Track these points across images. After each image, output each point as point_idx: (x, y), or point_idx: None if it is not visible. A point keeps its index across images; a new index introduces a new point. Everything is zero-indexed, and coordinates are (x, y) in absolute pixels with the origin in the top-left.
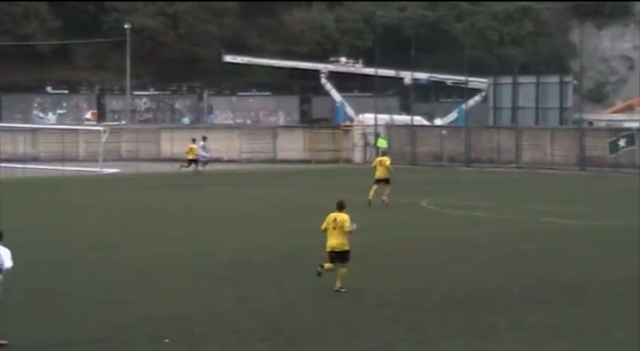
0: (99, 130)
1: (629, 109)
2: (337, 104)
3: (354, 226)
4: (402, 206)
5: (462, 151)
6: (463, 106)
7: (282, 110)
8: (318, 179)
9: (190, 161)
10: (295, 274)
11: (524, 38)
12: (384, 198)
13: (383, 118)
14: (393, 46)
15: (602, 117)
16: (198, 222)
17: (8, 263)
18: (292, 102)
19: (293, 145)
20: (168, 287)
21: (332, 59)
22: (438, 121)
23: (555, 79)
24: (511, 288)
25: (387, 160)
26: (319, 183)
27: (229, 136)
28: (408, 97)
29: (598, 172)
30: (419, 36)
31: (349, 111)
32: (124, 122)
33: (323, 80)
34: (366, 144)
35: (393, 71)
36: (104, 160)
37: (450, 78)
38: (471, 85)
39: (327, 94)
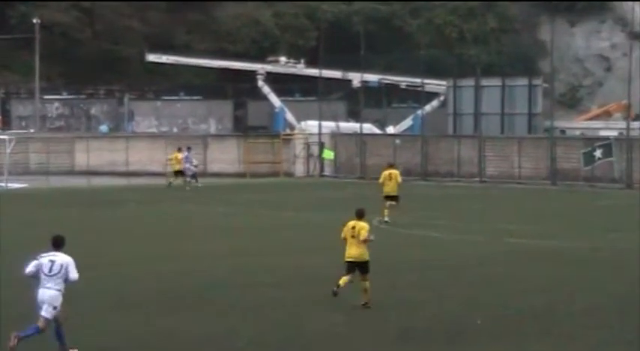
0: (3, 140)
1: (606, 115)
2: (276, 110)
3: (372, 237)
4: None
5: (418, 163)
6: (419, 112)
7: (213, 117)
8: (254, 195)
9: (177, 173)
10: (234, 299)
11: (487, 36)
12: (387, 219)
13: (328, 125)
14: (340, 45)
15: (576, 125)
16: (120, 243)
17: (74, 275)
18: (225, 107)
19: (226, 157)
20: (90, 319)
21: (270, 59)
22: (390, 129)
23: (523, 81)
24: (475, 318)
25: (397, 173)
26: (256, 199)
27: (153, 146)
28: (357, 102)
29: (571, 187)
30: (369, 33)
31: (290, 118)
32: (32, 130)
33: (260, 83)
34: (310, 155)
35: (339, 73)
36: (9, 174)
37: (404, 80)
38: (427, 89)
39: (264, 98)
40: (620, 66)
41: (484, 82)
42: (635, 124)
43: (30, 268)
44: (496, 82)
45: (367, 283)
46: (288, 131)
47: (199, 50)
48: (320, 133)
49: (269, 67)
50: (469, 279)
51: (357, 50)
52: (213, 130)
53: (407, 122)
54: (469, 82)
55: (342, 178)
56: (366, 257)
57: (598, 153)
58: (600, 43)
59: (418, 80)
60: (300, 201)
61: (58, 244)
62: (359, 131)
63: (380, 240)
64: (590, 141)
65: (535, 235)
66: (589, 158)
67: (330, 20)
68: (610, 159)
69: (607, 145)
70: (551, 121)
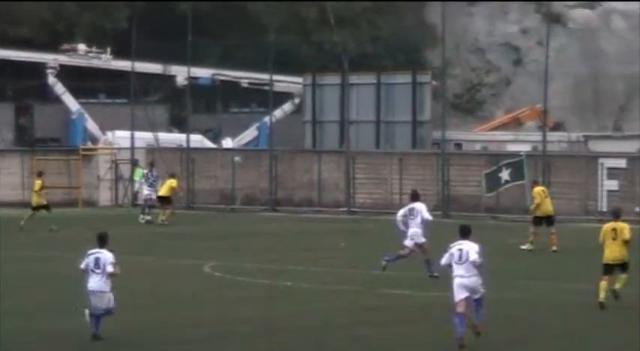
0: None
1: (516, 124)
2: (73, 116)
3: (117, 269)
4: (175, 271)
5: (265, 187)
6: (266, 119)
7: None
8: (39, 234)
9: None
10: None
11: (357, 17)
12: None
13: (144, 137)
14: (160, 29)
15: (476, 136)
16: None
17: (109, 268)
18: (3, 113)
19: (6, 180)
20: None
21: (65, 47)
22: (227, 143)
23: (405, 78)
24: None
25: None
26: (44, 238)
27: None
28: (183, 106)
29: (469, 219)
30: (199, 13)
31: (92, 127)
32: None
33: (51, 80)
34: (119, 177)
35: (159, 66)
36: None
37: (245, 77)
38: (277, 88)
39: (57, 100)
40: (534, 58)
41: (353, 78)
42: (553, 136)
43: (82, 264)
44: (370, 79)
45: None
46: (89, 145)
47: None
48: (133, 148)
49: (63, 59)
50: (334, 343)
51: (183, 36)
52: None
53: (250, 133)
54: (333, 79)
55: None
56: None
57: (505, 174)
58: (508, 28)
59: (265, 77)
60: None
61: (102, 241)
62: (185, 145)
63: (211, 293)
64: (494, 158)
65: (420, 285)
66: (493, 181)
67: None
68: (521, 182)
69: (517, 164)
70: (443, 132)
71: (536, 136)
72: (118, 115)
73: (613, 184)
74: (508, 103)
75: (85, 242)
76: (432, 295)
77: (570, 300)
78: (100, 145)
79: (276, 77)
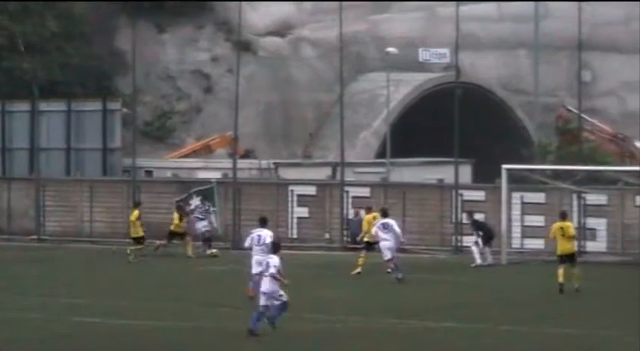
0: None
1: (207, 151)
2: None
3: None
4: None
5: None
6: None
7: None
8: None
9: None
10: None
11: (47, 43)
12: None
13: None
14: None
15: (167, 164)
16: None
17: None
18: None
19: None
20: None
21: None
22: None
23: (96, 105)
24: None
25: None
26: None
27: None
28: None
29: (161, 249)
30: None
31: None
32: None
33: None
34: None
35: None
36: None
37: None
38: None
39: None
40: (225, 86)
41: (43, 105)
42: (243, 163)
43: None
44: (60, 106)
45: None
46: None
47: None
48: None
49: None
50: None
51: None
52: None
53: None
54: (23, 105)
55: None
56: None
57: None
58: (198, 56)
59: None
60: None
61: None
62: None
63: None
64: (185, 185)
65: (112, 312)
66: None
67: None
68: (214, 209)
69: (208, 191)
70: (134, 159)
71: (227, 163)
72: None
73: (303, 211)
74: (199, 130)
75: None
76: (120, 323)
77: None
78: None
79: None
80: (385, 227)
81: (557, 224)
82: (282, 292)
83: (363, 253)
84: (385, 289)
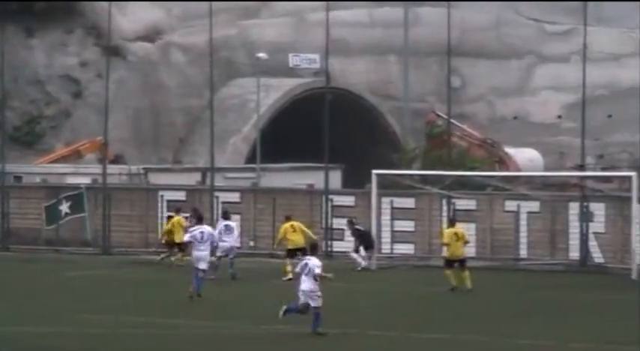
0: None
1: (77, 156)
2: None
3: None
4: None
5: None
6: None
7: None
8: None
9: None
10: None
11: None
12: None
13: None
14: None
15: (36, 169)
16: None
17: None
18: None
19: None
20: None
21: None
22: None
23: None
24: None
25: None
26: None
27: None
28: None
29: (29, 252)
30: None
31: None
32: None
33: None
34: None
35: None
36: None
37: None
38: None
39: None
40: (94, 91)
41: None
42: (113, 168)
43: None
44: None
45: None
46: None
47: None
48: None
49: None
50: None
51: None
52: None
53: None
54: None
55: None
56: None
57: (65, 207)
58: (68, 60)
59: None
60: None
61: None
62: None
63: None
64: (54, 190)
65: None
66: (54, 214)
67: None
68: (82, 215)
69: (77, 197)
70: (3, 165)
71: (97, 169)
72: None
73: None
74: (68, 135)
75: None
76: None
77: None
78: None
79: None
80: (228, 229)
81: (451, 230)
82: (319, 293)
83: (287, 261)
84: (253, 295)
